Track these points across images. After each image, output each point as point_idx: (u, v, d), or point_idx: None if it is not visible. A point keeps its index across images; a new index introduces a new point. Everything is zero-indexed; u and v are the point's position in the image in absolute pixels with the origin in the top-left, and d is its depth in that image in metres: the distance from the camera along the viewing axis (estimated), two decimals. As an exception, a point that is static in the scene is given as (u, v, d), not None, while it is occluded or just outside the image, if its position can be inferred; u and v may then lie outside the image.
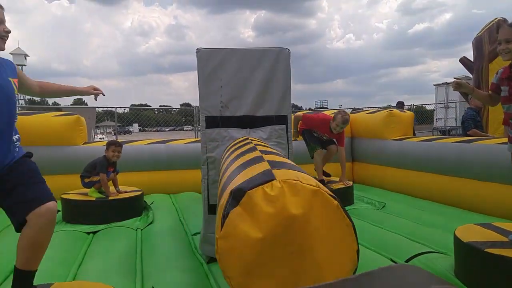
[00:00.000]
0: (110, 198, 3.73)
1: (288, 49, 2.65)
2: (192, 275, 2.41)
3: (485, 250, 2.02)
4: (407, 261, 2.53)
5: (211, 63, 2.53)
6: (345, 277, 0.81)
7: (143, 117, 17.51)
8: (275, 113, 2.64)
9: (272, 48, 2.60)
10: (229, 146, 2.41)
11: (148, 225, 3.58)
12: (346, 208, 4.22)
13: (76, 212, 3.57)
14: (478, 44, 8.82)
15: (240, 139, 2.47)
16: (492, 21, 8.67)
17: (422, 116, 13.84)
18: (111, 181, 3.98)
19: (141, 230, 3.43)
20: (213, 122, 2.55)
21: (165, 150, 5.34)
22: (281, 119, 2.65)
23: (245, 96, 2.58)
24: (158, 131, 24.62)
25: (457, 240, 2.24)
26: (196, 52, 2.51)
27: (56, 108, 11.77)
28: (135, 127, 24.94)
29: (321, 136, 4.61)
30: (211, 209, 2.60)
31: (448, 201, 4.23)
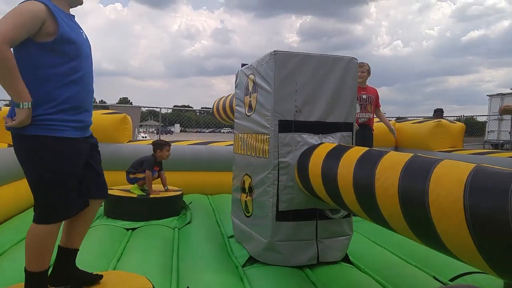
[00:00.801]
0: (151, 196, 3.83)
1: (356, 59, 2.71)
2: (227, 277, 2.40)
3: None
4: (452, 280, 2.41)
5: (287, 66, 2.51)
6: None
7: (185, 118, 17.91)
8: (344, 120, 2.67)
9: (343, 57, 2.67)
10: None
11: (186, 224, 3.64)
12: None
13: (117, 208, 3.70)
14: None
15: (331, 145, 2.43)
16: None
17: (472, 128, 13.07)
18: (157, 180, 4.11)
19: (179, 229, 3.49)
20: (286, 126, 2.53)
21: (205, 151, 5.42)
22: (348, 126, 2.69)
23: (318, 102, 2.59)
24: (198, 132, 25.17)
25: None
26: (273, 54, 2.50)
27: (102, 106, 12.33)
28: (177, 127, 25.67)
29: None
30: (280, 216, 2.55)
31: None
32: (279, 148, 2.51)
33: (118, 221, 3.53)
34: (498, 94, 16.63)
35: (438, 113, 8.36)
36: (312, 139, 2.57)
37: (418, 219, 1.46)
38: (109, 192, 3.81)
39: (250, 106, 2.87)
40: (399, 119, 9.70)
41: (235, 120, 3.27)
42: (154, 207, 3.75)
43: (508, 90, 15.33)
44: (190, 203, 4.45)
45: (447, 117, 8.30)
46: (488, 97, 17.59)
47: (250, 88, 2.86)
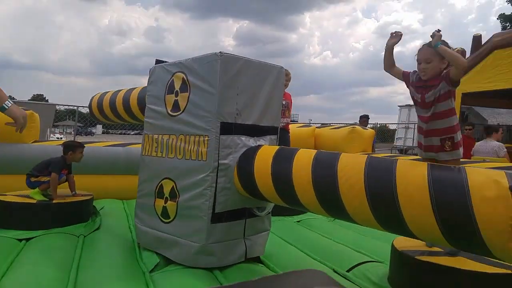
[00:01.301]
0: (54, 201, 3.50)
1: (283, 68, 2.96)
2: (131, 284, 2.30)
3: (416, 257, 2.24)
4: (348, 270, 2.68)
5: (231, 69, 2.53)
6: (244, 281, 0.89)
7: (108, 118, 16.87)
8: (273, 124, 2.87)
9: (275, 65, 2.86)
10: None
11: (93, 231, 3.40)
12: (299, 216, 4.18)
13: (11, 216, 3.30)
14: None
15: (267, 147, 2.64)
16: (453, 50, 9.20)
17: (384, 135, 14.30)
18: (64, 184, 3.79)
19: (84, 237, 3.24)
20: (227, 128, 2.54)
21: (124, 153, 5.13)
22: (275, 130, 2.93)
23: (255, 106, 2.71)
24: (123, 134, 24.00)
25: (393, 248, 2.47)
26: (218, 55, 2.47)
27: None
28: (99, 128, 24.19)
29: None
30: (215, 218, 2.56)
31: None
32: (219, 150, 2.52)
33: (9, 231, 3.14)
34: (406, 105, 18.48)
35: (364, 119, 8.80)
36: (249, 141, 2.68)
37: (386, 209, 1.78)
38: (1, 198, 3.40)
39: (175, 106, 2.76)
40: (323, 125, 10.26)
41: (146, 120, 3.05)
42: (57, 213, 3.43)
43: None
44: (102, 208, 4.19)
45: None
46: (398, 107, 19.47)
47: (177, 87, 2.77)
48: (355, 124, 8.10)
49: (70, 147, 3.75)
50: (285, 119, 4.57)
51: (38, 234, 3.14)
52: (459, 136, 2.22)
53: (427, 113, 2.21)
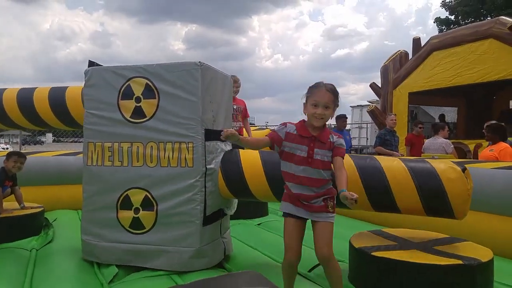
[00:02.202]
0: (1, 216, 3.32)
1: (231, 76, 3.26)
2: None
3: (372, 253, 2.29)
4: (309, 270, 2.69)
5: (207, 78, 2.66)
6: (181, 284, 0.92)
7: (59, 126, 16.03)
8: (228, 128, 2.98)
9: (228, 74, 3.10)
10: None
11: (46, 244, 3.26)
12: (260, 219, 4.18)
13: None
14: (384, 72, 9.89)
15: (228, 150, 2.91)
16: (396, 52, 9.78)
17: (339, 135, 14.83)
18: (10, 196, 3.59)
19: (37, 250, 3.10)
20: (208, 134, 2.67)
21: (74, 162, 4.94)
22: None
23: (220, 112, 2.89)
24: (75, 142, 22.93)
25: (350, 246, 2.51)
26: (198, 65, 2.59)
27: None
28: (49, 137, 22.96)
29: None
30: (206, 221, 2.64)
31: (349, 213, 4.47)
32: (206, 155, 2.60)
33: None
34: (358, 106, 19.32)
35: (342, 119, 7.96)
36: (225, 146, 2.90)
37: (380, 196, 2.44)
38: None
39: (138, 112, 2.68)
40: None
41: (89, 126, 2.80)
42: (5, 228, 3.26)
43: (365, 102, 17.90)
44: (54, 220, 4.02)
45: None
46: (350, 108, 20.29)
47: (138, 93, 2.69)
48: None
49: (7, 156, 3.55)
50: (237, 123, 4.68)
51: (-15, 251, 2.97)
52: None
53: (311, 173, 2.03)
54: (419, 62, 8.75)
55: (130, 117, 2.70)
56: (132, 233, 2.68)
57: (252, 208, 4.37)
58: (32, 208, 3.66)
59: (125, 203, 2.68)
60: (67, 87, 3.56)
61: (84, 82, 2.87)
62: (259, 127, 8.69)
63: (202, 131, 2.58)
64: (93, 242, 2.76)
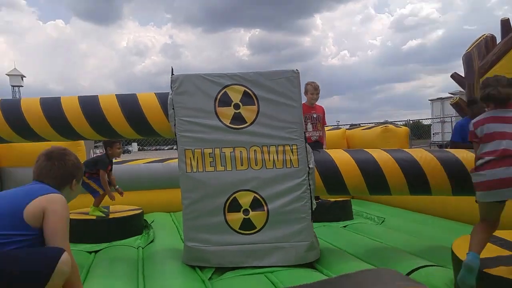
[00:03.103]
0: (110, 216, 3.75)
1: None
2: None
3: (484, 270, 1.94)
4: (408, 274, 2.53)
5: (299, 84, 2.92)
6: (325, 279, 0.89)
7: (143, 136, 17.34)
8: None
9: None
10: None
11: (149, 243, 3.59)
12: (345, 222, 4.16)
13: (78, 231, 3.57)
14: (468, 60, 8.98)
15: None
16: (480, 37, 8.88)
17: (419, 131, 13.89)
18: (115, 198, 4.04)
19: (142, 248, 3.44)
20: (305, 137, 2.93)
21: (163, 168, 5.37)
22: None
23: None
24: (157, 149, 24.69)
25: (454, 256, 2.24)
26: (296, 72, 2.81)
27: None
28: (134, 146, 25.02)
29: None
30: (312, 215, 2.83)
31: (448, 215, 4.25)
32: (308, 156, 2.80)
33: (79, 245, 3.42)
34: (438, 99, 17.90)
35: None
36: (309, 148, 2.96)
37: (417, 182, 2.94)
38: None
39: (237, 119, 2.80)
40: (352, 126, 10.15)
41: (184, 134, 2.81)
42: (114, 227, 3.68)
43: (447, 94, 16.56)
44: (152, 221, 4.40)
45: (396, 122, 8.77)
46: (430, 101, 18.86)
47: (236, 100, 2.81)
48: (385, 122, 7.99)
49: (108, 144, 4.03)
50: (317, 132, 4.58)
51: (103, 247, 3.42)
52: None
53: None
54: (510, 45, 7.86)
55: (230, 123, 2.80)
56: (243, 234, 2.78)
57: (336, 211, 4.34)
58: (133, 210, 4.07)
59: (233, 206, 2.78)
60: (134, 94, 3.22)
61: (171, 90, 2.86)
62: (334, 126, 8.56)
63: (303, 134, 2.81)
64: (201, 248, 2.80)
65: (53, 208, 1.71)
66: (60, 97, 3.15)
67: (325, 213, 4.17)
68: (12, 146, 4.57)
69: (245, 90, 2.80)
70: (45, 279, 1.60)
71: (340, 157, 3.06)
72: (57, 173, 1.87)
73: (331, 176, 2.99)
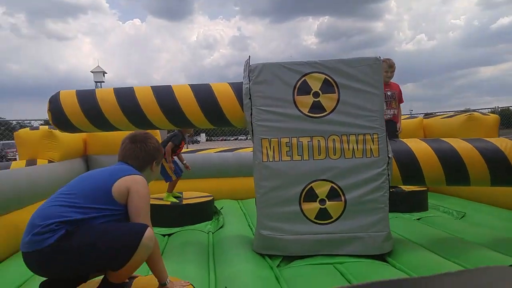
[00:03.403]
0: (184, 202, 3.96)
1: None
2: (263, 278, 2.46)
3: None
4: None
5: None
6: (446, 272, 0.81)
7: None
8: None
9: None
10: None
11: (219, 228, 3.72)
12: (419, 214, 3.93)
13: (153, 216, 3.81)
14: None
15: None
16: None
17: (509, 119, 12.47)
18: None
19: (213, 233, 3.57)
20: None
21: (232, 157, 5.52)
22: None
23: None
24: (223, 140, 25.50)
25: None
26: (379, 59, 2.76)
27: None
28: (202, 136, 26.10)
29: None
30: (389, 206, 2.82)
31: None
32: (387, 145, 2.78)
33: (154, 228, 3.63)
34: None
35: None
36: None
37: (459, 173, 2.87)
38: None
39: (316, 107, 2.77)
40: (427, 115, 9.44)
41: (261, 123, 2.80)
42: (187, 213, 3.87)
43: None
44: (221, 208, 4.55)
45: (480, 110, 8.00)
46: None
47: (316, 88, 2.77)
48: (467, 110, 7.28)
49: None
50: (391, 110, 4.41)
51: (176, 230, 3.61)
52: None
53: None
54: None
55: (309, 112, 2.77)
56: (318, 223, 2.78)
57: (410, 202, 4.10)
58: (205, 196, 4.24)
59: (310, 196, 2.78)
60: (208, 84, 3.14)
61: (249, 79, 2.81)
62: (408, 116, 8.03)
63: (384, 122, 2.77)
64: (276, 236, 2.79)
65: (136, 188, 1.85)
66: (133, 87, 3.13)
67: (398, 203, 3.98)
68: (97, 136, 5.01)
69: (325, 77, 2.76)
70: (131, 252, 1.73)
71: (417, 146, 2.96)
72: (140, 154, 2.02)
73: (409, 166, 2.91)
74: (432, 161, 2.87)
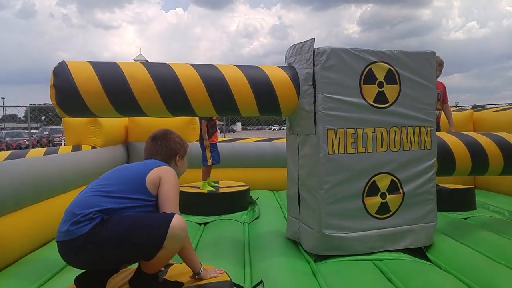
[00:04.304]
0: (220, 191, 3.98)
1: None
2: (300, 272, 2.40)
3: None
4: None
5: None
6: None
7: (246, 116, 18.12)
8: None
9: None
10: None
11: (255, 219, 3.71)
12: (466, 213, 3.81)
13: (190, 204, 3.87)
14: None
15: None
16: None
17: None
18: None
19: (248, 224, 3.57)
20: None
21: (269, 148, 5.47)
22: None
23: None
24: (259, 129, 25.57)
25: None
26: (434, 53, 2.82)
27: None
28: (238, 126, 26.29)
29: None
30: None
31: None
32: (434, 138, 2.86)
33: (191, 216, 3.70)
34: None
35: None
36: None
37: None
38: (181, 189, 4.01)
39: (380, 97, 2.67)
40: (475, 108, 8.90)
41: (327, 112, 2.56)
42: (223, 202, 3.89)
43: None
44: (257, 198, 4.53)
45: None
46: None
47: (380, 78, 2.67)
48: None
49: None
50: (436, 111, 4.13)
51: (212, 219, 3.63)
52: None
53: None
54: None
55: (373, 101, 2.66)
56: (378, 218, 2.70)
57: (457, 200, 3.88)
58: (241, 186, 4.24)
59: (372, 190, 2.68)
60: (257, 66, 2.77)
61: (314, 63, 2.57)
62: (456, 107, 7.59)
63: (435, 115, 2.86)
64: (340, 235, 2.61)
65: (168, 176, 1.92)
66: (168, 63, 2.56)
67: (444, 201, 3.78)
68: (138, 124, 5.13)
69: (389, 68, 2.69)
70: (160, 242, 1.72)
71: (449, 139, 3.14)
72: (161, 150, 2.11)
73: (443, 157, 3.03)
74: (464, 152, 3.10)
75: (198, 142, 4.37)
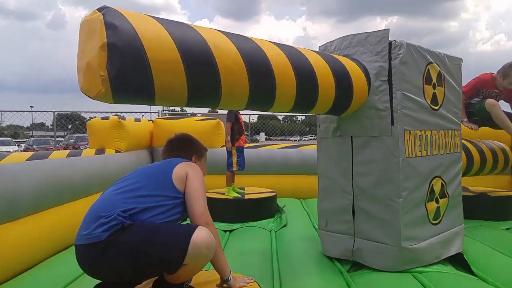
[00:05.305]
0: (246, 197, 3.80)
1: None
2: (333, 284, 2.21)
3: None
4: None
5: None
6: None
7: (269, 126, 18.16)
8: None
9: None
10: None
11: (282, 227, 3.51)
12: (506, 223, 3.56)
13: (215, 210, 3.69)
14: None
15: None
16: None
17: None
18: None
19: (275, 232, 3.37)
20: None
21: (296, 154, 5.28)
22: None
23: None
24: (283, 140, 25.39)
25: None
26: (461, 61, 2.87)
27: (193, 115, 12.96)
28: (262, 135, 26.19)
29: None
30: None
31: None
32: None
33: (216, 223, 3.53)
34: None
35: None
36: None
37: None
38: (207, 195, 3.89)
39: (434, 99, 2.56)
40: None
41: (406, 111, 2.34)
42: (249, 208, 3.71)
43: None
44: (284, 206, 4.33)
45: None
46: None
47: (434, 79, 2.57)
48: None
49: None
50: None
51: (237, 227, 3.46)
52: None
53: None
54: None
55: (431, 103, 2.54)
56: (434, 224, 2.51)
57: (498, 209, 3.61)
58: (267, 192, 4.06)
59: (431, 194, 2.49)
60: (332, 56, 2.31)
61: (390, 57, 2.33)
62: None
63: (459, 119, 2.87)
64: (414, 246, 2.35)
65: (194, 171, 1.84)
66: (249, 37, 1.87)
67: (484, 209, 3.59)
68: (163, 129, 5.07)
69: (440, 70, 2.64)
70: (178, 259, 1.55)
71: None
72: (177, 152, 2.03)
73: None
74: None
75: (225, 147, 4.23)
